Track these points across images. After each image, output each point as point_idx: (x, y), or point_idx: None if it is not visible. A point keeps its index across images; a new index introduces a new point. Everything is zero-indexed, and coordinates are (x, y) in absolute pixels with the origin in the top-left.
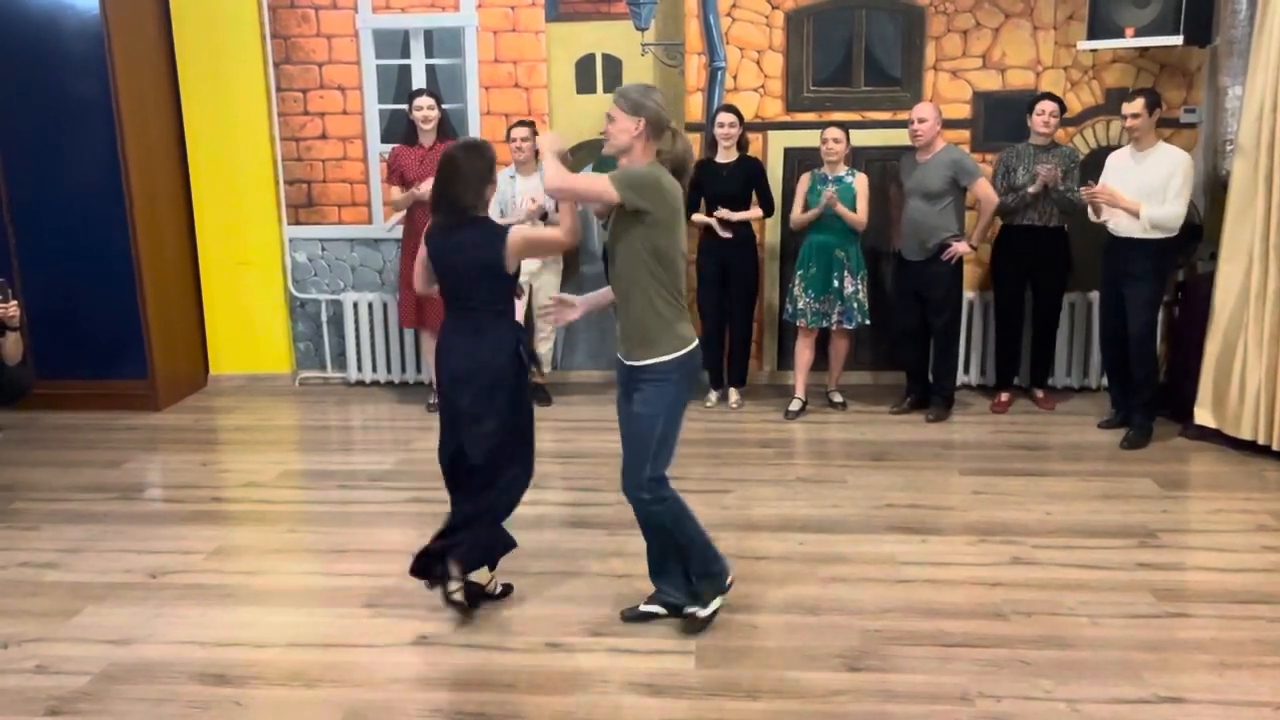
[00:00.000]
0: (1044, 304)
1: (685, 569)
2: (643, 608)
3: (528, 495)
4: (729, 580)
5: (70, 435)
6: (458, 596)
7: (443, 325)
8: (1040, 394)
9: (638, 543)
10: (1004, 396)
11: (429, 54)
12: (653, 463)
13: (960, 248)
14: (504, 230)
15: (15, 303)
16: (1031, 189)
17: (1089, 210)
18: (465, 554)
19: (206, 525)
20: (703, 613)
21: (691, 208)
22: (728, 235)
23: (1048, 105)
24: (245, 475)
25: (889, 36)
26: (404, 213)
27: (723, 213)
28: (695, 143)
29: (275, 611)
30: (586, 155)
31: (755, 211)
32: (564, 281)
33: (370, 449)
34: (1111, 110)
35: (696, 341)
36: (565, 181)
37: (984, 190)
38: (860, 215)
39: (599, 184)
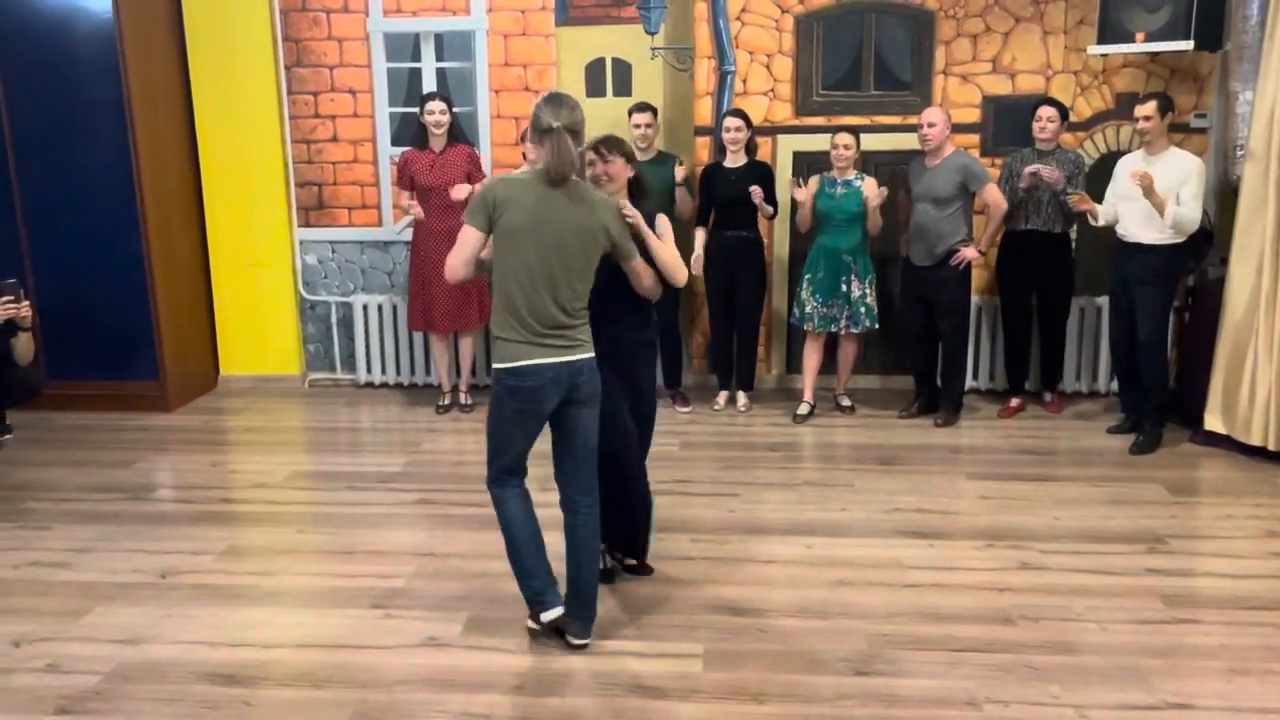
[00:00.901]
0: (1050, 310)
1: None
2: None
3: (536, 496)
4: (536, 615)
5: (81, 435)
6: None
7: None
8: (1049, 397)
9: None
10: (1014, 402)
11: (439, 57)
12: (489, 459)
13: (969, 253)
14: None
15: (27, 303)
16: (1022, 184)
17: (1088, 215)
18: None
19: (216, 526)
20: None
21: (702, 212)
22: (768, 209)
23: (1046, 111)
24: (255, 476)
25: (898, 41)
26: (412, 217)
27: (756, 190)
28: (705, 146)
29: (284, 612)
30: None
31: (767, 208)
32: None
33: (379, 450)
34: (1121, 115)
35: (520, 365)
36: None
37: (993, 195)
38: (875, 221)
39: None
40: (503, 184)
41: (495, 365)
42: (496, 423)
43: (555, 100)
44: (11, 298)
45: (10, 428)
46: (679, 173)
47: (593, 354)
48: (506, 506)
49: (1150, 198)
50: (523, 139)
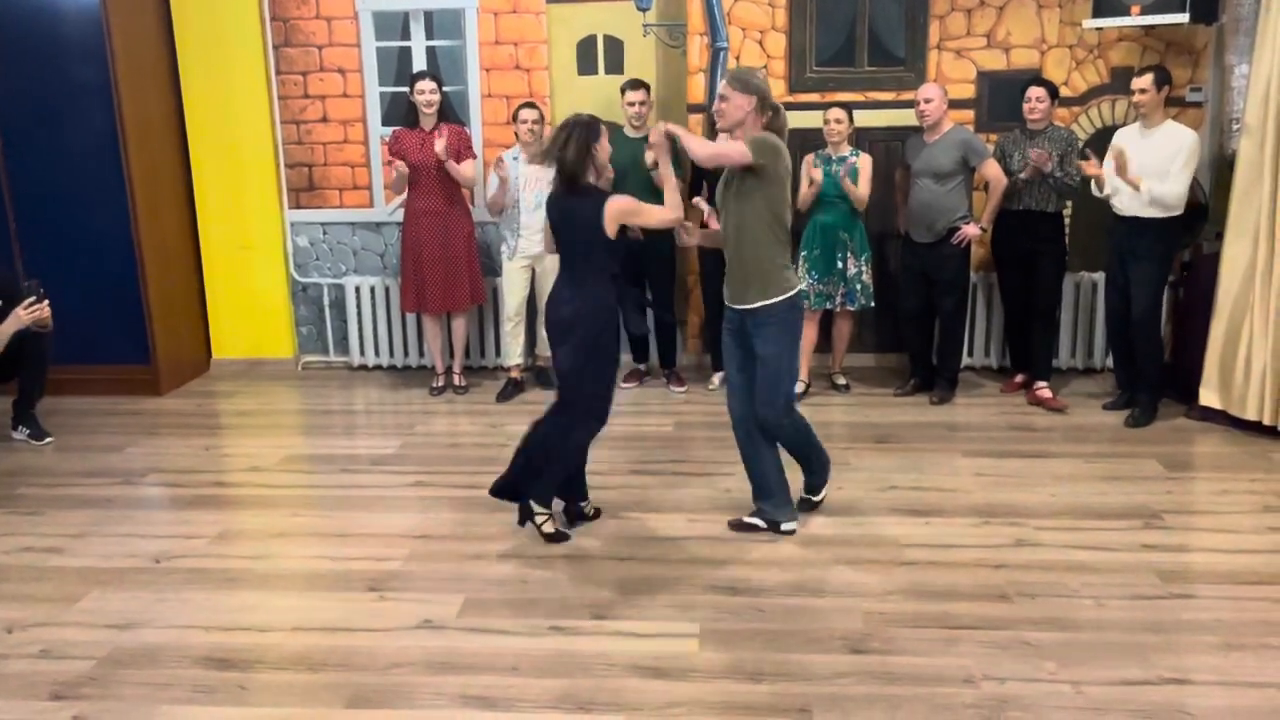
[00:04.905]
0: (1041, 290)
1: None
2: (745, 519)
3: None
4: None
5: (73, 421)
6: (547, 528)
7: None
8: (1045, 391)
9: (639, 525)
10: (1019, 378)
11: (429, 36)
12: (786, 390)
13: (971, 231)
14: (604, 197)
15: (47, 303)
16: (1023, 175)
17: (1093, 185)
18: (532, 490)
19: (210, 510)
20: (815, 498)
21: (694, 189)
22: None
23: (1035, 91)
24: (248, 459)
25: (892, 16)
26: (404, 196)
27: (699, 201)
28: (697, 125)
29: (279, 595)
30: None
31: None
32: None
33: (373, 433)
34: (1117, 89)
35: (799, 287)
36: (716, 149)
37: (993, 170)
38: (862, 191)
39: (738, 149)
40: (775, 138)
41: (786, 296)
42: (792, 349)
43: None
44: (34, 299)
45: (47, 433)
46: (648, 157)
47: None
48: (804, 421)
49: (1122, 175)
50: (514, 119)
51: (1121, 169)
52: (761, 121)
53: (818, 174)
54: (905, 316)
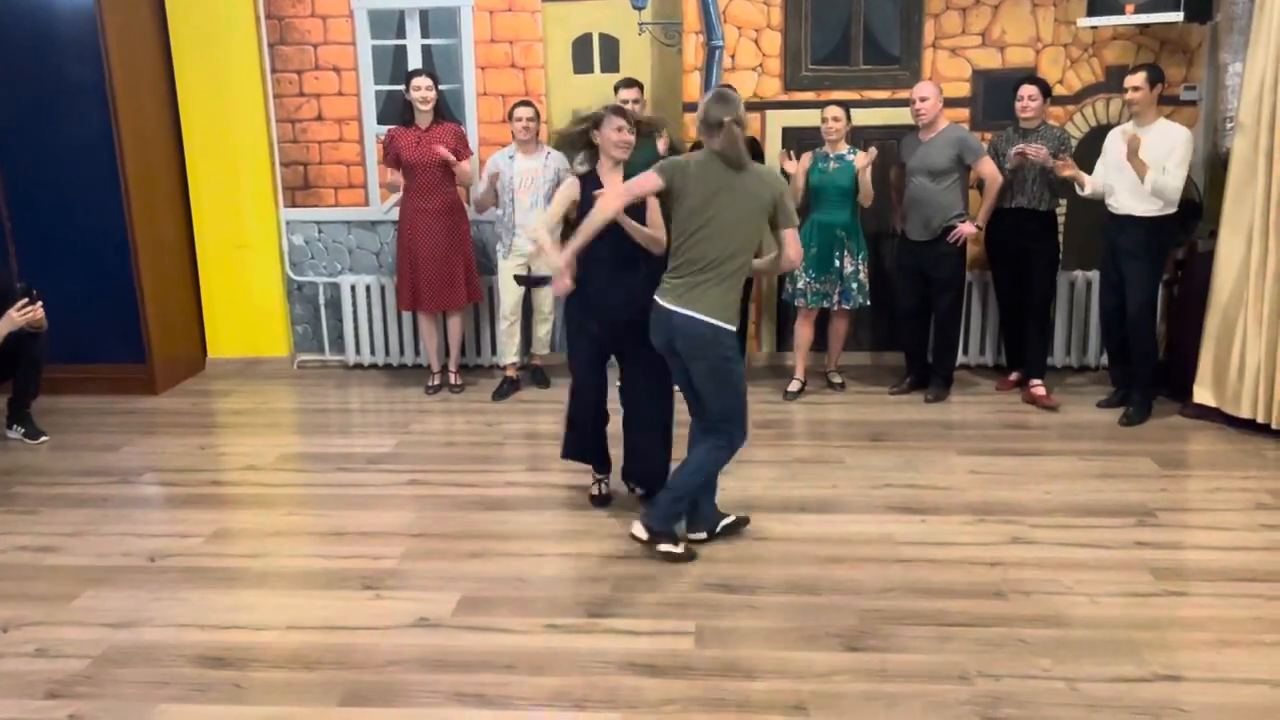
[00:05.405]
0: (1035, 288)
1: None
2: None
3: (527, 476)
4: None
5: (68, 420)
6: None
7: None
8: (1040, 389)
9: (635, 524)
10: (1013, 376)
11: (424, 34)
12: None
13: (967, 229)
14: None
15: (40, 305)
16: (1009, 165)
17: (1075, 185)
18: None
19: (205, 508)
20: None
21: None
22: None
23: (1027, 89)
24: (244, 458)
25: (888, 14)
26: (400, 194)
27: None
28: (693, 122)
29: (274, 594)
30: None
31: None
32: None
33: (369, 432)
34: (1111, 88)
35: (657, 303)
36: (626, 188)
37: (988, 169)
38: (866, 188)
39: (649, 177)
40: (697, 156)
41: (727, 325)
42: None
43: (723, 98)
44: (26, 300)
45: (42, 432)
46: (660, 145)
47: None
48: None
49: (1132, 159)
50: (509, 117)
51: (1133, 152)
52: (714, 142)
53: (790, 165)
54: (901, 315)
